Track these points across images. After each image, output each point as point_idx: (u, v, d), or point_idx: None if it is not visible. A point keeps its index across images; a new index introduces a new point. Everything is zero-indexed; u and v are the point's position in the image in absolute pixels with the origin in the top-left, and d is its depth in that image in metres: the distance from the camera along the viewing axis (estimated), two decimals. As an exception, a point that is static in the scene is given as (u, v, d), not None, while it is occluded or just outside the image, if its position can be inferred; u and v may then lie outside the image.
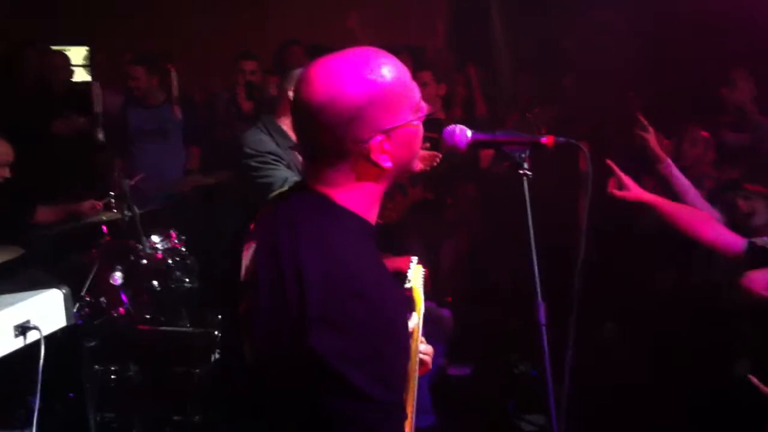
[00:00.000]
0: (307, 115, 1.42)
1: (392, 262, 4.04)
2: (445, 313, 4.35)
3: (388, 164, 1.44)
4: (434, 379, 3.97)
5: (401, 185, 4.85)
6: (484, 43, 6.59)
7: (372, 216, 1.51)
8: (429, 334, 3.96)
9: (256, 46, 5.67)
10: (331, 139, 1.42)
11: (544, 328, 1.79)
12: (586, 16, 5.44)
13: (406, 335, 1.51)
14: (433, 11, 6.98)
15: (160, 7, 7.06)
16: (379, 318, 1.35)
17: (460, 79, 5.70)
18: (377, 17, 6.77)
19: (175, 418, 3.58)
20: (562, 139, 1.89)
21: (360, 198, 1.47)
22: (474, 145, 1.93)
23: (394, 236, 4.37)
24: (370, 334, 1.33)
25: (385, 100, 1.43)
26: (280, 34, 6.06)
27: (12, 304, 2.89)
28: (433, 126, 5.02)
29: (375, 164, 1.43)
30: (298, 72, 2.94)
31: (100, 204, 4.03)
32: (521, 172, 1.88)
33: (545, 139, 1.89)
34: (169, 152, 5.18)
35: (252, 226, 1.57)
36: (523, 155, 1.88)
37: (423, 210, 4.89)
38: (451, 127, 1.93)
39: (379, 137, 1.42)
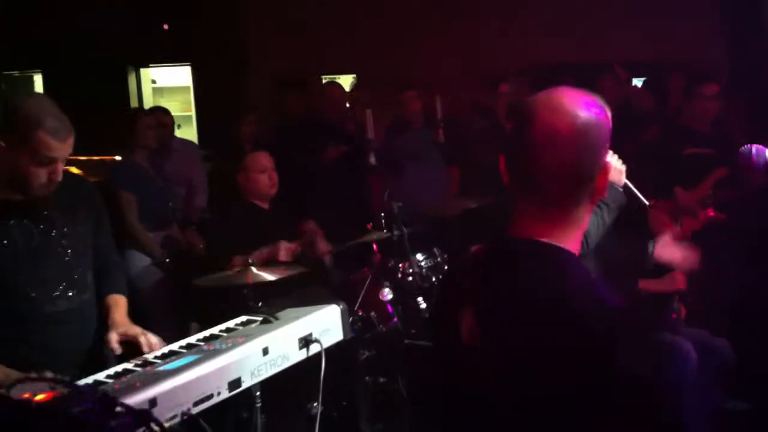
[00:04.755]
0: (564, 139, 1.42)
1: (655, 284, 3.81)
2: (721, 342, 4.04)
3: (605, 192, 1.49)
4: (711, 415, 3.68)
5: (689, 209, 4.60)
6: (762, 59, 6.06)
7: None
8: (703, 367, 3.70)
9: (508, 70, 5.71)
10: (584, 162, 1.43)
11: None
12: None
13: None
14: (708, 27, 6.56)
15: (423, 37, 7.33)
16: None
17: (736, 95, 5.29)
18: (651, 33, 6.51)
19: (440, 432, 3.66)
20: None
21: (577, 238, 1.50)
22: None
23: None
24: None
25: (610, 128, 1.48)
26: (529, 56, 6.07)
27: (296, 318, 3.12)
28: (706, 142, 4.72)
29: (600, 191, 1.47)
30: None
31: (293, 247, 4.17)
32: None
33: None
34: (430, 174, 5.35)
35: (459, 286, 1.59)
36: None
37: (713, 233, 4.57)
38: (747, 147, 1.79)
39: (609, 164, 1.48)
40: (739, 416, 4.17)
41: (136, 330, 2.80)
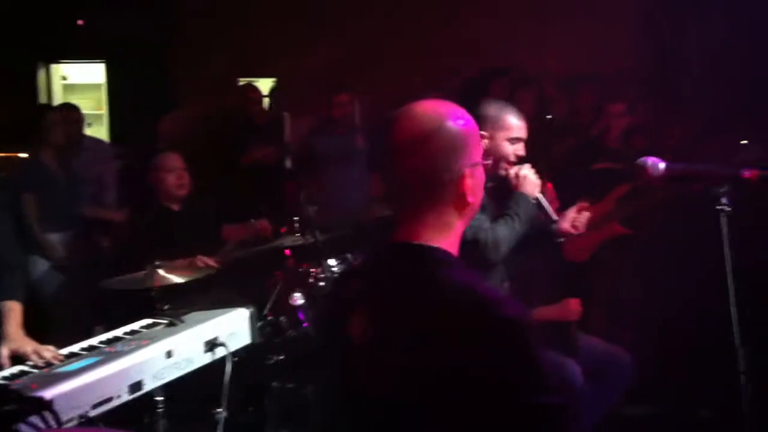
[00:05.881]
0: (414, 145, 1.50)
1: (548, 311, 3.86)
2: (620, 351, 4.16)
3: (471, 198, 1.53)
4: (608, 419, 3.80)
5: (594, 222, 4.70)
6: (673, 69, 6.30)
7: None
8: (602, 376, 3.78)
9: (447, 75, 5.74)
10: (433, 167, 1.49)
11: (743, 376, 1.66)
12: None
13: None
14: (621, 37, 6.77)
15: (342, 35, 7.31)
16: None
17: (646, 108, 5.48)
18: (566, 43, 6.66)
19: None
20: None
21: (453, 239, 1.55)
22: (668, 177, 1.84)
23: (578, 276, 4.21)
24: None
25: (474, 137, 1.55)
26: (469, 63, 6.14)
27: (203, 321, 3.08)
28: (614, 157, 4.88)
29: (462, 198, 1.52)
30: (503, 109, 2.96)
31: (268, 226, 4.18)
32: (718, 207, 1.77)
33: (748, 173, 1.77)
34: (354, 178, 5.34)
35: (347, 292, 1.63)
36: (721, 190, 1.77)
37: (616, 247, 4.70)
38: (642, 160, 1.86)
39: (468, 170, 1.52)
40: (639, 420, 4.32)
41: (27, 348, 2.71)
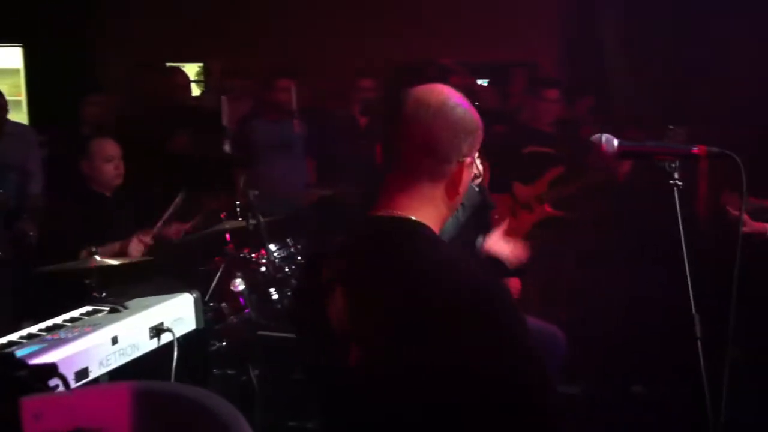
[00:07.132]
0: (427, 115, 1.50)
1: None
2: (554, 330, 4.26)
3: (461, 190, 1.56)
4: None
5: (526, 204, 4.81)
6: (597, 63, 6.47)
7: None
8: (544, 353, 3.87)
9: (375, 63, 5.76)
10: (442, 141, 1.50)
11: (699, 342, 1.74)
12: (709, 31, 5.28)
13: None
14: (544, 28, 6.91)
15: (277, 23, 7.23)
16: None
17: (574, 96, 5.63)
18: (487, 33, 6.76)
19: (291, 423, 3.65)
20: (715, 149, 1.85)
21: (437, 222, 1.56)
22: (621, 154, 1.91)
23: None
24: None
25: (479, 135, 1.59)
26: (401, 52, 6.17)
27: (148, 306, 3.01)
28: (545, 141, 4.99)
29: (454, 186, 1.54)
30: None
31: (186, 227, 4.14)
32: (672, 182, 1.84)
33: (697, 150, 1.86)
34: (292, 165, 5.29)
35: (325, 272, 1.59)
36: (673, 165, 1.85)
37: (548, 228, 4.81)
38: (597, 135, 1.92)
39: (469, 160, 1.55)
40: (570, 399, 4.44)
41: None
